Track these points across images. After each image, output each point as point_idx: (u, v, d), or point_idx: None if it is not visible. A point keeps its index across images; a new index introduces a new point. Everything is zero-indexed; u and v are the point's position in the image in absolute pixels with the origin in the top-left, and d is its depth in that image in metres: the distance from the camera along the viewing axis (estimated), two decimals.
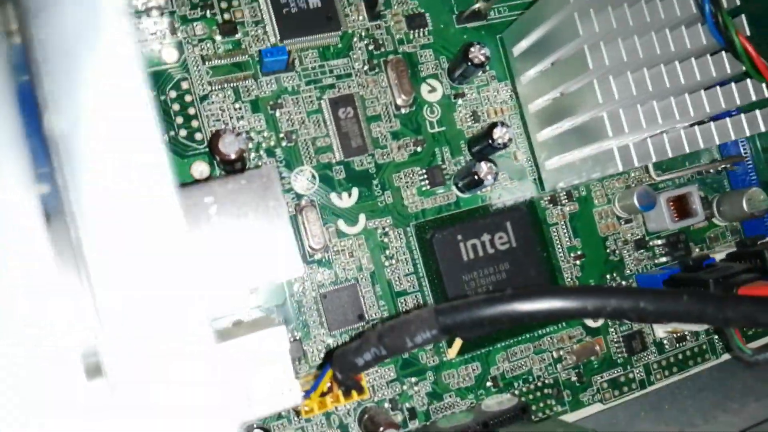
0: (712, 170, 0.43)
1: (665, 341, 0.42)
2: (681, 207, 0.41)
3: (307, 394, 0.31)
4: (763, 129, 0.36)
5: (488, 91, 0.40)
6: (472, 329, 0.28)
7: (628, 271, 0.42)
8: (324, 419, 0.35)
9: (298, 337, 0.35)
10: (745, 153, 0.43)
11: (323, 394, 0.31)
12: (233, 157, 0.33)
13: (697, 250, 0.43)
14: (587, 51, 0.33)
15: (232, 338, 0.25)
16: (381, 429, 0.32)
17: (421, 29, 0.39)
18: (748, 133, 0.36)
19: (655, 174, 0.42)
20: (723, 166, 0.43)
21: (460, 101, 0.40)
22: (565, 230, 0.41)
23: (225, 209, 0.27)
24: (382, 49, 0.39)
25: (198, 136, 0.35)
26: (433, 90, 0.39)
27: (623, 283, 0.41)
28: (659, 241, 0.43)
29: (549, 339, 0.40)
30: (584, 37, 0.34)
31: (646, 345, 0.41)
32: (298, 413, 0.33)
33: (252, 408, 0.25)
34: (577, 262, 0.41)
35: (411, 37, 0.39)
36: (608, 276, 0.41)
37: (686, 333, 0.42)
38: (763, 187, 0.43)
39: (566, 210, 0.41)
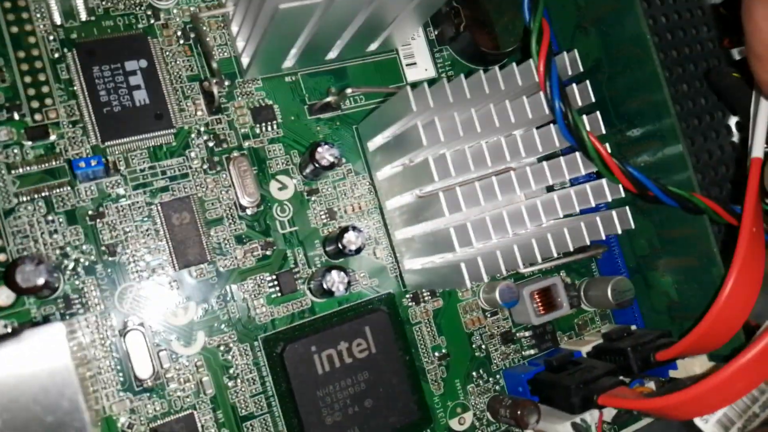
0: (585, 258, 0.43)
1: None
2: (546, 300, 0.40)
3: None
4: (619, 231, 0.36)
5: (345, 185, 0.38)
6: None
7: (495, 367, 0.40)
8: None
9: None
10: (610, 241, 0.43)
11: None
12: (38, 285, 0.28)
13: (565, 338, 0.43)
14: (431, 161, 0.32)
15: None
16: None
17: (269, 122, 0.37)
18: (603, 236, 0.35)
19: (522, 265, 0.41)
20: (587, 255, 0.42)
21: (314, 198, 0.37)
22: (428, 328, 0.39)
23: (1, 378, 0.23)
24: (225, 146, 0.36)
25: (1, 257, 0.31)
26: (284, 187, 0.37)
27: (490, 379, 0.40)
28: (526, 333, 0.41)
29: None
30: (428, 145, 0.32)
31: None
32: None
33: None
34: (443, 362, 0.39)
35: (258, 131, 0.36)
36: (474, 373, 0.40)
37: None
38: (631, 274, 0.42)
39: (429, 307, 0.39)
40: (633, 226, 0.36)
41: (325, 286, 0.34)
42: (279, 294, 0.36)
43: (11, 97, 0.32)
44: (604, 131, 0.35)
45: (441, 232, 0.33)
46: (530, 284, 0.40)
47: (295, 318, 0.36)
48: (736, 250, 0.31)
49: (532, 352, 0.41)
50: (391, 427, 0.36)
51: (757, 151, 0.34)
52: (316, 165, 0.34)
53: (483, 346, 0.40)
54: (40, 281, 0.28)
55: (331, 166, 0.35)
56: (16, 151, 0.32)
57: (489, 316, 0.41)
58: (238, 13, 0.34)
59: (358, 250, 0.35)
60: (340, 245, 0.34)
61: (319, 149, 0.34)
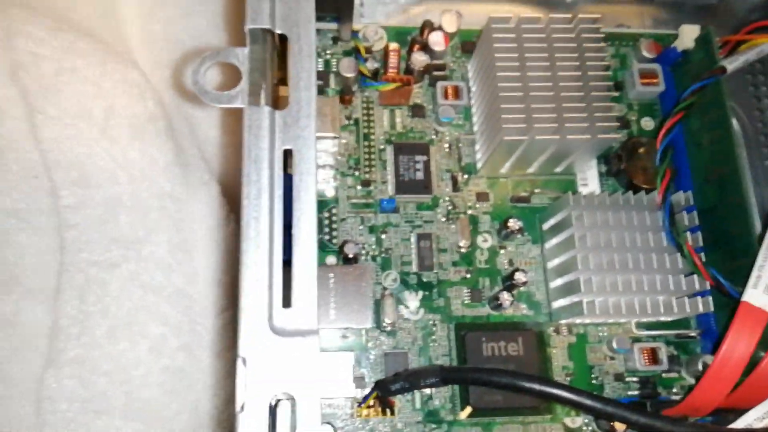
0: (684, 337, 0.59)
1: None
2: (651, 356, 0.57)
3: (360, 405, 0.51)
4: (701, 310, 0.52)
5: (524, 249, 0.61)
6: (461, 383, 0.47)
7: (606, 394, 0.57)
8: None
9: (362, 376, 0.55)
10: (711, 327, 0.58)
11: (369, 406, 0.51)
12: (351, 256, 0.56)
13: (665, 393, 0.58)
14: (576, 236, 0.53)
15: None
16: None
17: (485, 202, 0.61)
18: (688, 310, 0.52)
19: (636, 330, 0.58)
20: (689, 334, 0.58)
21: (502, 251, 0.60)
22: (562, 353, 0.58)
23: (339, 282, 0.49)
24: (457, 210, 0.61)
25: (334, 241, 0.59)
26: (485, 241, 0.60)
27: None
28: (634, 378, 0.58)
29: (535, 426, 0.56)
30: (575, 227, 0.53)
31: None
32: (352, 415, 0.53)
33: None
34: (567, 377, 0.58)
35: (477, 205, 0.61)
36: None
37: None
38: None
39: (565, 340, 0.58)
40: (711, 309, 0.52)
41: (497, 300, 0.56)
42: (469, 301, 0.59)
43: (356, 163, 0.62)
44: (701, 244, 0.54)
45: (576, 280, 0.53)
46: (642, 343, 0.58)
47: (476, 319, 0.58)
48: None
49: (635, 392, 0.58)
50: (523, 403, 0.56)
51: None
52: (507, 229, 0.58)
53: (599, 378, 0.58)
54: (353, 253, 0.55)
55: (516, 232, 0.58)
56: (352, 190, 0.61)
57: (608, 359, 0.58)
58: (479, 139, 0.61)
59: (523, 284, 0.57)
60: (512, 279, 0.57)
61: (511, 220, 0.58)
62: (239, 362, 0.29)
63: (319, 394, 0.29)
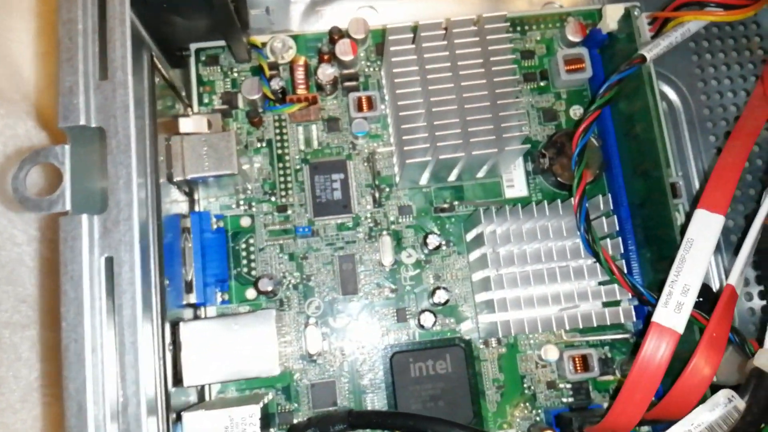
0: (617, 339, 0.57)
1: None
2: (582, 363, 0.56)
3: None
4: (623, 321, 0.51)
5: (450, 261, 0.59)
6: (367, 427, 0.47)
7: (538, 404, 0.57)
8: None
9: (291, 410, 0.55)
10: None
11: None
12: (268, 290, 0.55)
13: (600, 397, 0.57)
14: (488, 256, 0.51)
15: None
16: None
17: (408, 215, 0.59)
18: (608, 322, 0.51)
19: (567, 336, 0.57)
20: (620, 337, 0.56)
21: (428, 266, 0.59)
22: (492, 366, 0.57)
23: (243, 332, 0.49)
24: (380, 227, 0.59)
25: (254, 272, 0.58)
26: (410, 256, 0.59)
27: (533, 411, 0.57)
28: (568, 385, 0.57)
29: None
30: (487, 244, 0.52)
31: None
32: None
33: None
34: (499, 390, 0.57)
35: (400, 220, 0.59)
36: (522, 404, 0.57)
37: None
38: None
39: (495, 352, 0.57)
40: (634, 319, 0.50)
41: (419, 322, 0.55)
42: (396, 321, 0.58)
43: (272, 187, 0.60)
44: (622, 251, 0.51)
45: (492, 299, 0.52)
46: (573, 350, 0.56)
47: (402, 338, 0.58)
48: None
49: (570, 400, 0.57)
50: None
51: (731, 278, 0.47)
52: (427, 246, 0.56)
53: (531, 387, 0.57)
54: (269, 288, 0.55)
55: (436, 248, 0.56)
56: (269, 216, 0.59)
57: (540, 367, 0.58)
58: (395, 151, 0.58)
59: (445, 303, 0.55)
60: (432, 298, 0.56)
61: (430, 236, 0.56)
62: None
63: None
